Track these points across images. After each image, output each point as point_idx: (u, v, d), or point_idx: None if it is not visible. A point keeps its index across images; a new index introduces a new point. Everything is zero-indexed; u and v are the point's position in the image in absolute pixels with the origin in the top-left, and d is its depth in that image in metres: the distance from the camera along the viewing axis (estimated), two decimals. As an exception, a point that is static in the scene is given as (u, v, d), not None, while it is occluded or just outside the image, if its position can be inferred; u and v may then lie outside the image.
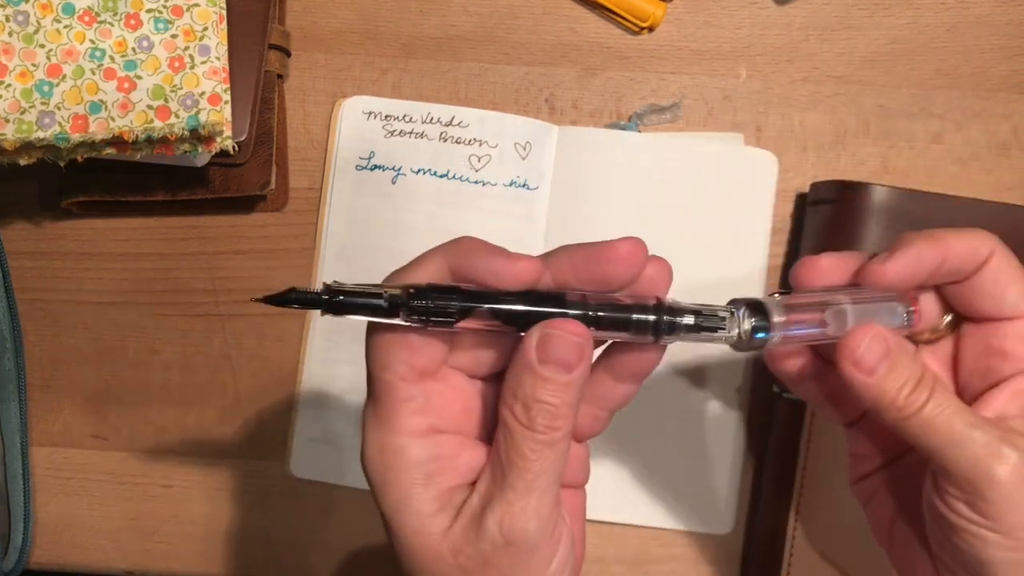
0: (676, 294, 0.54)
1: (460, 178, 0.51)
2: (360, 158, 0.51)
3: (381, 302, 0.28)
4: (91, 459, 0.52)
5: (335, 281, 0.28)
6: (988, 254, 0.32)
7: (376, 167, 0.51)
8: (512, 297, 0.29)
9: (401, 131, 0.51)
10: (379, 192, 0.51)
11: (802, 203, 0.51)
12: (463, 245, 0.30)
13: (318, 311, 0.28)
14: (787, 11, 0.52)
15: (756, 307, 0.31)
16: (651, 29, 0.52)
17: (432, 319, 0.28)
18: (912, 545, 0.34)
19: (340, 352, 0.51)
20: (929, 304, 0.34)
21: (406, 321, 0.28)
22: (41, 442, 0.52)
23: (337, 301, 0.28)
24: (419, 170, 0.51)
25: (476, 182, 0.51)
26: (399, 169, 0.51)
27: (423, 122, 0.51)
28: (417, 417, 0.30)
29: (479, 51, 0.53)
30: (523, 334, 0.29)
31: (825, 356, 0.34)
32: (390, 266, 0.53)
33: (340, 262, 0.51)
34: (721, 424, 0.50)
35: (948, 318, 0.34)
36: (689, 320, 0.30)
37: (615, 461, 0.50)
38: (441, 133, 0.51)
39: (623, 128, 0.51)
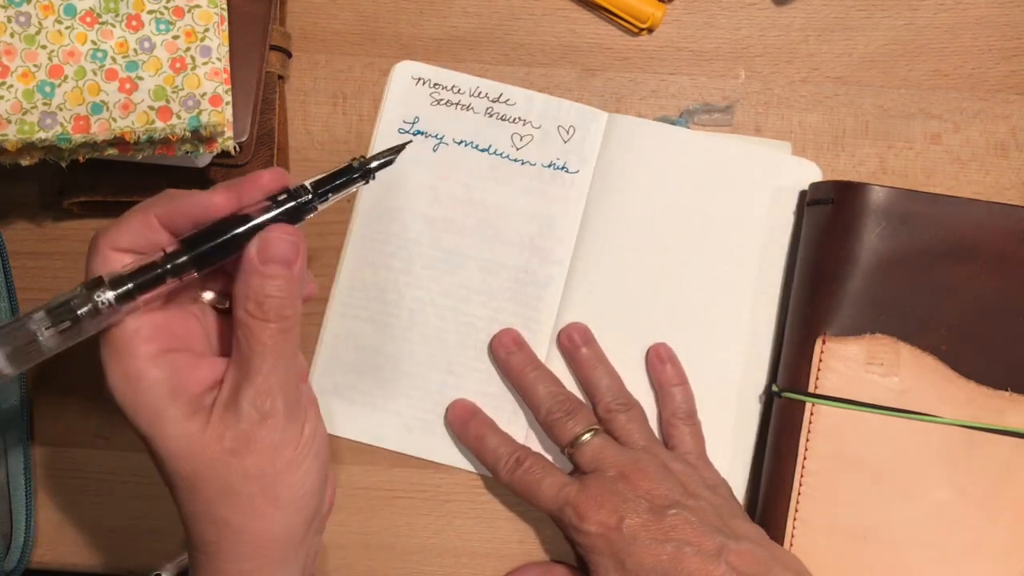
0: (698, 292, 0.54)
1: (501, 154, 0.51)
2: (404, 121, 0.52)
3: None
4: (93, 458, 0.52)
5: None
6: None
7: (419, 132, 0.52)
8: (212, 234, 0.34)
9: (448, 101, 0.52)
10: (418, 157, 0.52)
11: (801, 203, 0.51)
12: (165, 195, 0.35)
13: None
14: (786, 12, 0.52)
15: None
16: (651, 30, 0.52)
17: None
18: None
19: (359, 309, 0.51)
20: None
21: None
22: (43, 441, 0.52)
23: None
24: (461, 141, 0.52)
25: (516, 160, 0.51)
26: (441, 138, 0.52)
27: (471, 95, 0.52)
28: (147, 344, 0.34)
29: (479, 52, 0.53)
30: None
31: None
32: (421, 228, 0.52)
33: (371, 221, 0.51)
34: (720, 424, 0.50)
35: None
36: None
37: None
38: (487, 108, 0.52)
39: (672, 123, 0.51)
